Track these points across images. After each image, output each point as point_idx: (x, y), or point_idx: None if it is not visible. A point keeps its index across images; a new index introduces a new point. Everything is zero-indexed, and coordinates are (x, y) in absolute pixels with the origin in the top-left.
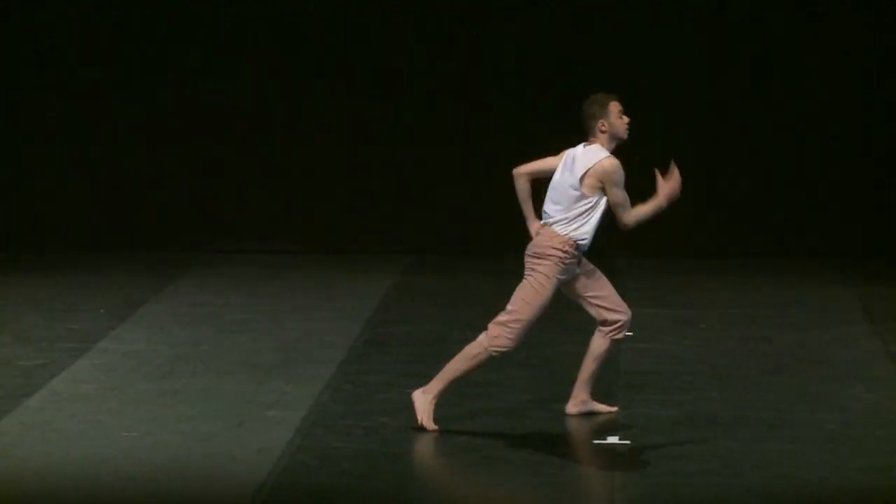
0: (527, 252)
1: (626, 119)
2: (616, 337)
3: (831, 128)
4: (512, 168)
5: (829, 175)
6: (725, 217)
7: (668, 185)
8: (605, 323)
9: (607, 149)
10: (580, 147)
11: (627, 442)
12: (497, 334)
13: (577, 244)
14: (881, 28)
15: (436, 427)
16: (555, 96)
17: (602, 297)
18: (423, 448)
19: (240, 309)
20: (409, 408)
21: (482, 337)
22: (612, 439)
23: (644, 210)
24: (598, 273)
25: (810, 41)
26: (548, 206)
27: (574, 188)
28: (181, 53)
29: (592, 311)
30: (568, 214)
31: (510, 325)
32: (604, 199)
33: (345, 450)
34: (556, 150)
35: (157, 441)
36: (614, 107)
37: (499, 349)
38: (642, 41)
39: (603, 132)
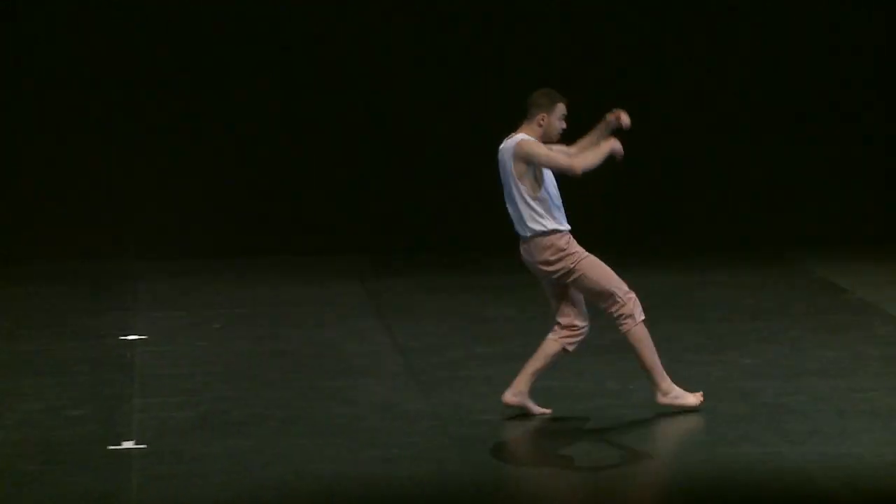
0: (534, 264)
1: (563, 124)
2: (570, 343)
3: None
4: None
5: (334, 176)
6: (231, 218)
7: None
8: (568, 327)
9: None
10: (507, 140)
11: (144, 446)
12: (625, 309)
13: (559, 230)
14: None
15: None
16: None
17: (578, 301)
18: None
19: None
20: None
21: (624, 328)
22: (128, 444)
23: (593, 156)
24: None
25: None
26: (517, 225)
27: (515, 184)
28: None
29: (564, 310)
30: (533, 213)
31: (620, 294)
32: (544, 174)
33: None
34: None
35: None
36: (560, 108)
37: (637, 317)
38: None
39: (539, 125)
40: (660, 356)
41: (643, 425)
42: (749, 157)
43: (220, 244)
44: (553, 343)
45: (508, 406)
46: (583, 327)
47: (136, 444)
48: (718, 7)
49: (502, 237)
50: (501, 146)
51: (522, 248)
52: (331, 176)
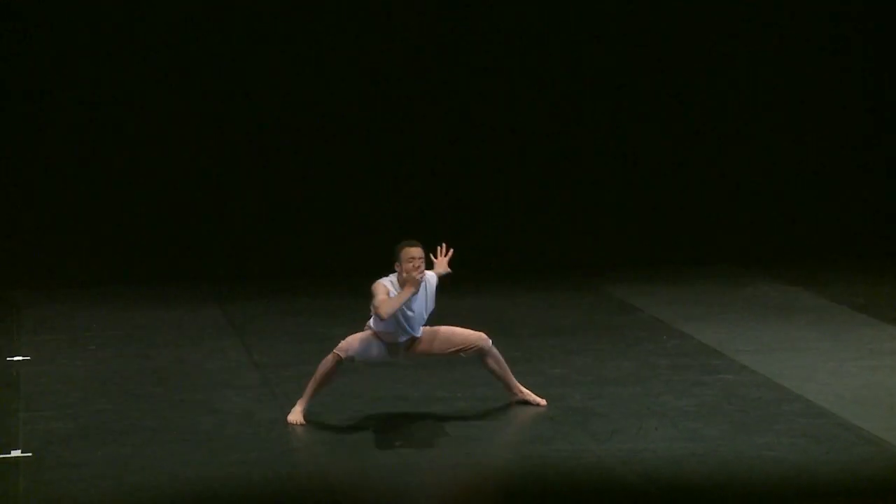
0: None
1: (414, 264)
2: (490, 350)
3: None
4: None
5: (195, 207)
6: (102, 247)
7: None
8: (480, 352)
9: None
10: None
11: (29, 454)
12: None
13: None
14: None
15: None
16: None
17: (458, 343)
18: None
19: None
20: None
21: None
22: (15, 453)
23: (396, 300)
24: (439, 330)
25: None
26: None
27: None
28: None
29: (465, 355)
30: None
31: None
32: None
33: None
34: None
35: None
36: (405, 254)
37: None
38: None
39: (396, 270)
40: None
41: (465, 427)
42: (547, 186)
43: (92, 273)
44: (489, 361)
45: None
46: (483, 346)
47: (23, 452)
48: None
49: (341, 264)
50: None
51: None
52: (191, 206)
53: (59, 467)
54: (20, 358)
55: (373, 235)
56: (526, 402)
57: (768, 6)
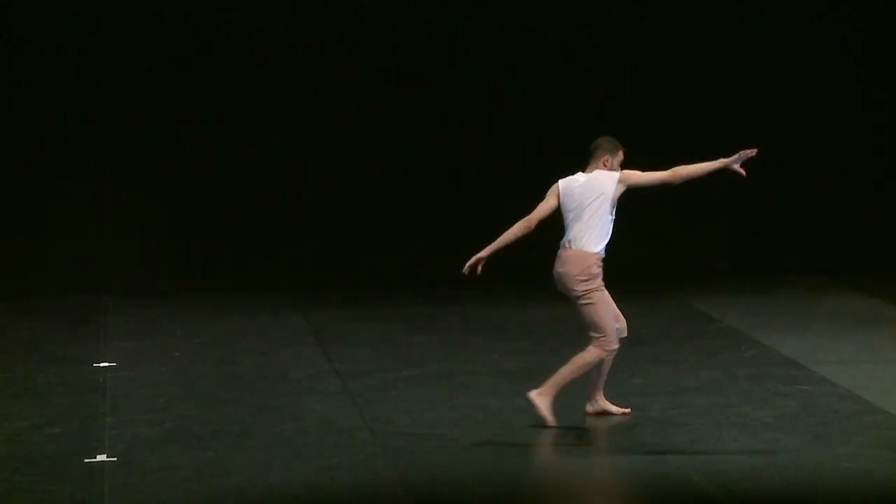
0: (567, 275)
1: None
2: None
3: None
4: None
5: (280, 218)
6: (186, 256)
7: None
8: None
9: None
10: (584, 175)
11: (115, 459)
12: (604, 345)
13: (602, 257)
14: None
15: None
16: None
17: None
18: None
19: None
20: None
21: (592, 348)
22: (101, 457)
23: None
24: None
25: None
26: (574, 231)
27: (611, 204)
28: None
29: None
30: (596, 232)
31: (607, 335)
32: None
33: None
34: None
35: None
36: (621, 156)
37: (613, 350)
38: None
39: (605, 166)
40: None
41: (543, 435)
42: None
43: (178, 280)
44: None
45: (588, 415)
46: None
47: (109, 457)
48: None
49: (420, 273)
50: (584, 178)
51: (559, 255)
52: (275, 215)
53: (145, 472)
54: (106, 364)
55: (452, 244)
56: (605, 413)
57: None
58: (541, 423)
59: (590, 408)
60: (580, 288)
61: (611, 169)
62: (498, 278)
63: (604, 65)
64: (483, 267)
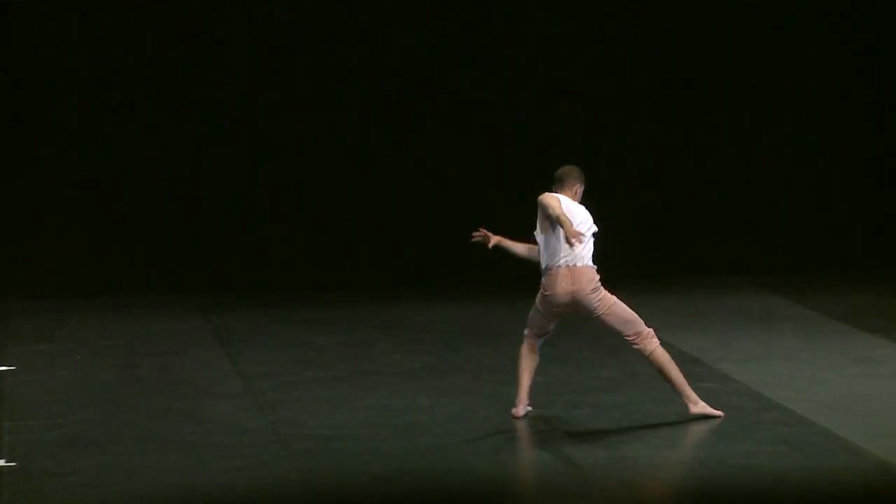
0: (581, 291)
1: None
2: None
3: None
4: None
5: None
6: (87, 259)
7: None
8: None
9: None
10: (562, 196)
11: (14, 463)
12: (647, 335)
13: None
14: None
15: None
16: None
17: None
18: None
19: None
20: None
21: (646, 345)
22: (0, 462)
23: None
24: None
25: None
26: (577, 248)
27: (593, 225)
28: None
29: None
30: (588, 248)
31: (640, 324)
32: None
33: None
34: None
35: None
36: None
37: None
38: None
39: (575, 195)
40: None
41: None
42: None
43: (79, 283)
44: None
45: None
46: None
47: (7, 462)
48: None
49: (324, 275)
50: (565, 200)
51: (562, 275)
52: (178, 218)
53: (44, 476)
54: (5, 368)
55: (355, 247)
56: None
57: None
58: (451, 422)
59: (521, 410)
60: (595, 298)
61: (575, 198)
62: (401, 280)
63: (604, 66)
64: (486, 243)
